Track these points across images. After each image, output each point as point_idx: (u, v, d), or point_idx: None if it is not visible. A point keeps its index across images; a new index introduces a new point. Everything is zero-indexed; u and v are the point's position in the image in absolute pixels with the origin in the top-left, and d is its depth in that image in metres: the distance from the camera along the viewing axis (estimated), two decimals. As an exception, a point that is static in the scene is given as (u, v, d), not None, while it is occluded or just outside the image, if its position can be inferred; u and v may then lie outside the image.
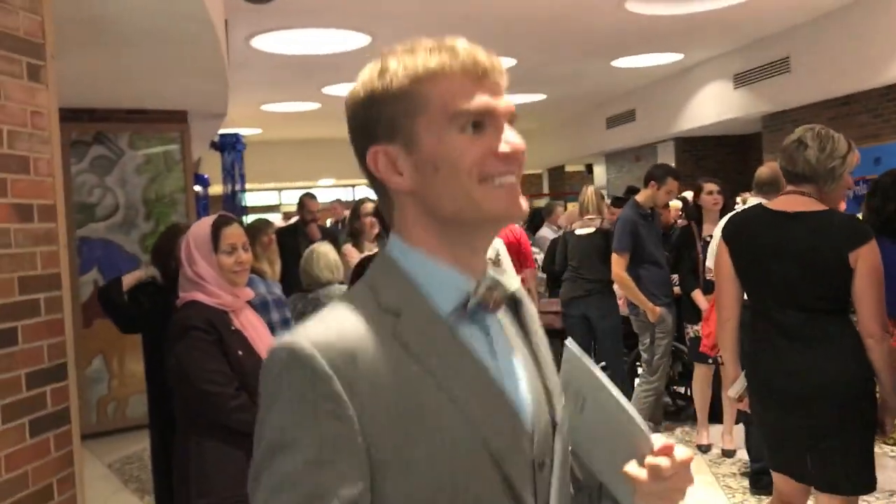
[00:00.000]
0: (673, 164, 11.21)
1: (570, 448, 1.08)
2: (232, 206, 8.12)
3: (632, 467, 0.97)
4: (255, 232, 5.00)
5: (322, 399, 0.86)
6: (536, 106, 12.63)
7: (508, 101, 0.99)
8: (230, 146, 7.94)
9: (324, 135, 14.29)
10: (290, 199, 15.75)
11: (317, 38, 7.49)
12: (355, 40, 7.62)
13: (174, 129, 6.94)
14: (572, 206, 7.27)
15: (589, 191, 5.90)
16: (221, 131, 8.16)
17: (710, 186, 5.17)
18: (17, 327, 2.24)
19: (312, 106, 11.20)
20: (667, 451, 0.96)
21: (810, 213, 2.66)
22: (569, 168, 16.61)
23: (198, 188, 9.06)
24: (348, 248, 5.62)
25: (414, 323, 0.94)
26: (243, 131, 13.09)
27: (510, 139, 0.97)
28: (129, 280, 3.62)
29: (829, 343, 2.62)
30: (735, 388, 2.88)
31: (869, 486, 2.64)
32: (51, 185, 2.41)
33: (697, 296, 5.03)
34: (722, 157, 11.29)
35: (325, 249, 4.61)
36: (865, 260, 2.54)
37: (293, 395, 0.87)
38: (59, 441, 2.40)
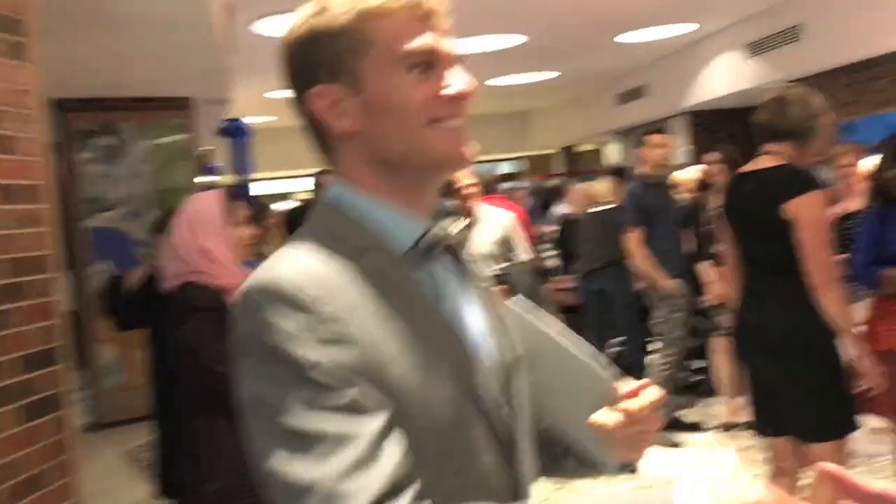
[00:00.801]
0: (686, 139, 11.07)
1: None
2: (239, 192, 8.10)
3: (600, 415, 0.95)
4: (255, 216, 4.96)
5: (323, 324, 0.84)
6: (549, 84, 12.49)
7: (453, 42, 0.98)
8: (235, 131, 7.89)
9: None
10: (305, 185, 15.74)
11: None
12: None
13: (180, 117, 6.90)
14: (584, 185, 7.22)
15: (603, 180, 5.99)
16: (228, 117, 8.11)
17: (708, 157, 5.13)
18: (8, 310, 2.21)
19: (321, 91, 11.13)
20: (634, 393, 0.95)
21: (760, 169, 2.71)
22: (582, 147, 16.45)
23: (208, 177, 9.04)
24: None
25: (377, 264, 0.93)
26: (258, 119, 13.06)
27: (457, 81, 0.96)
28: (130, 281, 3.49)
29: (775, 298, 2.68)
30: None
31: (835, 432, 2.67)
32: (38, 165, 2.36)
33: (702, 268, 4.95)
34: (736, 129, 11.09)
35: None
36: (802, 211, 2.55)
37: (289, 329, 0.83)
38: (52, 427, 2.36)
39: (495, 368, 0.99)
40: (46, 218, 2.40)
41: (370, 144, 0.96)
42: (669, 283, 5.04)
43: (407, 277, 0.95)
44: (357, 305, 0.87)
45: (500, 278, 4.38)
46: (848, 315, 2.60)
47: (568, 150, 16.56)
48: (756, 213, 2.68)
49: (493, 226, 4.62)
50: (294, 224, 5.08)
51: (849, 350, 2.65)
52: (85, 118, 6.54)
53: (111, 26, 4.41)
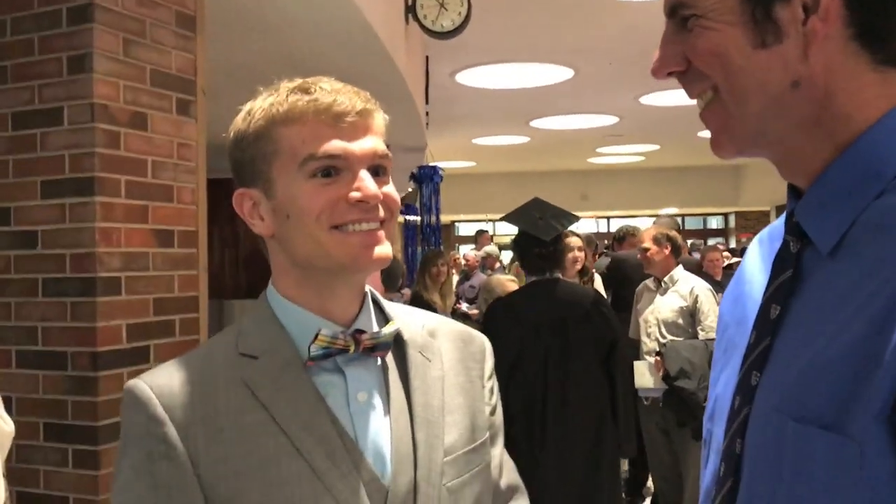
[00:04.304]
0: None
1: None
2: (429, 235, 8.36)
3: None
4: (425, 262, 5.06)
5: (155, 441, 0.89)
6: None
7: (369, 143, 0.96)
8: (428, 178, 8.15)
9: (533, 167, 14.35)
10: (502, 230, 15.99)
11: (520, 72, 7.53)
12: (559, 73, 7.57)
13: (376, 162, 7.22)
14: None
15: None
16: (424, 164, 8.42)
17: None
18: (149, 346, 2.39)
19: (521, 139, 11.28)
20: None
21: None
22: (799, 206, 15.39)
23: (410, 217, 9.42)
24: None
25: (269, 368, 0.94)
26: (457, 164, 13.47)
27: (364, 185, 0.94)
28: None
29: None
30: None
31: None
32: (194, 212, 2.55)
33: None
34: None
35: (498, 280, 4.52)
36: None
37: (131, 435, 0.91)
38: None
39: (391, 487, 0.93)
40: (199, 261, 2.57)
41: (283, 246, 0.98)
42: None
43: (304, 381, 0.94)
44: (211, 418, 0.90)
45: (659, 352, 4.14)
46: None
47: (784, 209, 15.56)
48: None
49: (681, 294, 4.38)
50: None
51: None
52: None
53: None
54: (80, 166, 2.24)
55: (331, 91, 0.96)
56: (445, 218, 14.39)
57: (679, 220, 16.64)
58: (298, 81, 0.99)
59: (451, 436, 1.00)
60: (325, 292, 0.99)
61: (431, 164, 8.49)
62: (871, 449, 0.64)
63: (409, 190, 9.93)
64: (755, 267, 0.93)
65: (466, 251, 11.04)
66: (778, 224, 0.94)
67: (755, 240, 0.98)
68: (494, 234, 17.43)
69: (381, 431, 0.96)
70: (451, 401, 1.02)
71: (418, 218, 9.00)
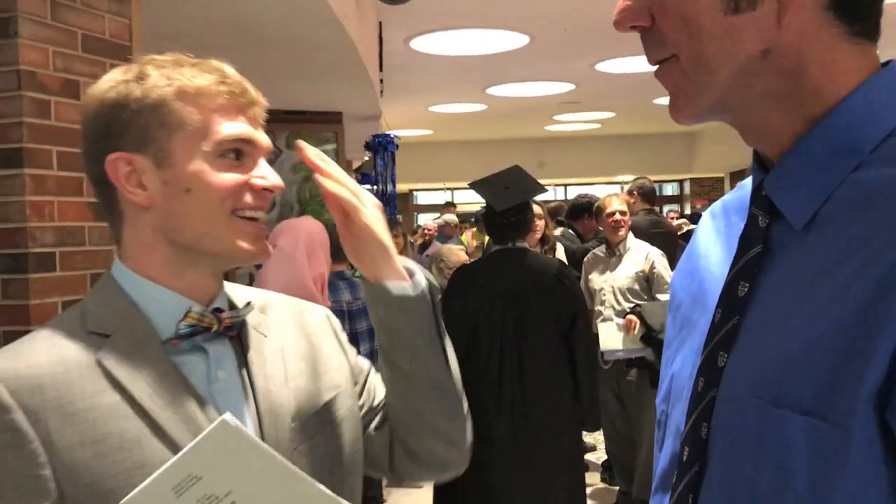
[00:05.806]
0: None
1: None
2: (385, 204, 8.28)
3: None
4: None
5: (1, 430, 0.84)
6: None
7: (266, 136, 0.99)
8: (382, 147, 8.06)
9: (491, 135, 14.28)
10: (461, 198, 15.95)
11: (476, 39, 7.44)
12: (514, 40, 7.50)
13: (329, 130, 7.13)
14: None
15: None
16: (378, 132, 8.32)
17: None
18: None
19: (478, 107, 11.19)
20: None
21: None
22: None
23: (367, 186, 9.32)
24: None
25: (123, 347, 0.91)
26: (414, 132, 13.35)
27: (268, 174, 0.96)
28: None
29: None
30: None
31: None
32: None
33: None
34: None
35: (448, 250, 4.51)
36: None
37: None
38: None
39: None
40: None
41: (165, 220, 0.95)
42: None
43: (162, 359, 0.92)
44: (64, 402, 0.85)
45: (634, 310, 4.16)
46: None
47: (738, 175, 15.77)
48: None
49: (636, 259, 4.41)
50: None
51: None
52: (243, 128, 6.89)
53: (253, 44, 4.58)
54: (6, 137, 2.14)
55: (240, 79, 0.97)
56: (403, 186, 14.31)
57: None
58: (199, 60, 0.98)
59: (296, 401, 1.00)
60: (194, 273, 0.98)
61: (387, 132, 8.39)
62: (858, 435, 0.61)
63: (366, 159, 9.82)
64: (709, 241, 0.89)
65: (427, 221, 11.00)
66: (732, 197, 0.91)
67: (706, 213, 0.95)
68: (454, 203, 17.45)
69: (241, 407, 0.97)
70: (293, 367, 1.03)
71: (375, 187, 8.90)
